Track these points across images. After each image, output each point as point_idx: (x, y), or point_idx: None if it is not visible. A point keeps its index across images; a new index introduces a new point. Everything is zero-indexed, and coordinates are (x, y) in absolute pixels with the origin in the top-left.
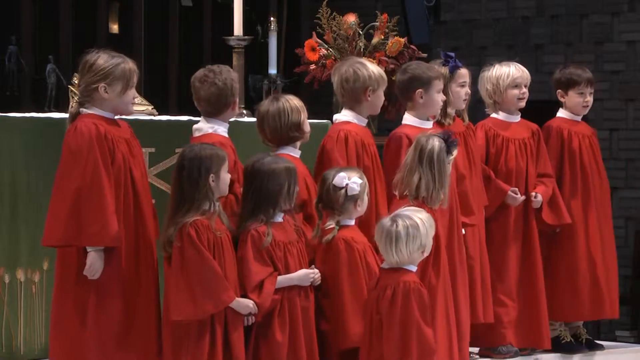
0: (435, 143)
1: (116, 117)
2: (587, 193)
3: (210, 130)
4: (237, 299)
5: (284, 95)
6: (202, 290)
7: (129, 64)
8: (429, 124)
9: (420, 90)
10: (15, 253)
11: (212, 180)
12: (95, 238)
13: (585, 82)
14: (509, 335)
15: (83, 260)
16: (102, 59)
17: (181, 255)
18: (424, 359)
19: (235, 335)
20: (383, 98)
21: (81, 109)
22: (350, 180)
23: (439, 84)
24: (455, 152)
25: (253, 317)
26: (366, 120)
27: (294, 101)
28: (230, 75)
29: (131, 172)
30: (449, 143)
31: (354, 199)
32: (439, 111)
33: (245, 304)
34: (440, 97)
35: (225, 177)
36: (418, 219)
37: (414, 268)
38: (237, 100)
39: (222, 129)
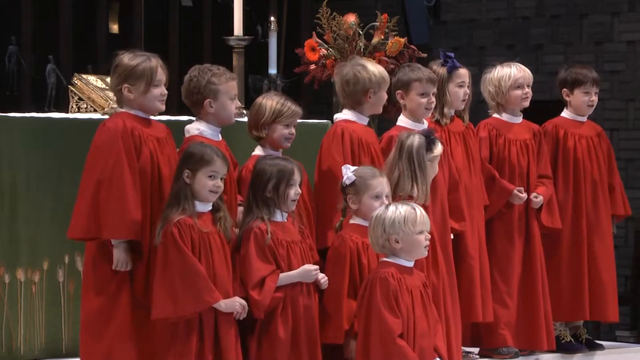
0: (415, 139)
1: (151, 117)
2: (578, 195)
3: (195, 132)
4: (222, 300)
5: (276, 93)
6: (183, 290)
7: (151, 62)
8: (420, 126)
9: (399, 92)
10: (15, 253)
11: (187, 177)
12: (114, 230)
13: (591, 82)
14: (510, 336)
15: (106, 254)
16: (125, 59)
17: (164, 254)
18: (384, 343)
19: (226, 338)
20: (385, 98)
21: (117, 109)
22: (349, 170)
23: (419, 87)
24: (436, 150)
25: (244, 313)
26: (367, 120)
27: (269, 101)
28: (208, 75)
29: (159, 169)
30: (429, 140)
31: (346, 192)
32: (425, 114)
33: (232, 304)
34: (423, 100)
35: (204, 181)
36: (391, 208)
37: (395, 260)
38: (215, 101)
39: (209, 132)
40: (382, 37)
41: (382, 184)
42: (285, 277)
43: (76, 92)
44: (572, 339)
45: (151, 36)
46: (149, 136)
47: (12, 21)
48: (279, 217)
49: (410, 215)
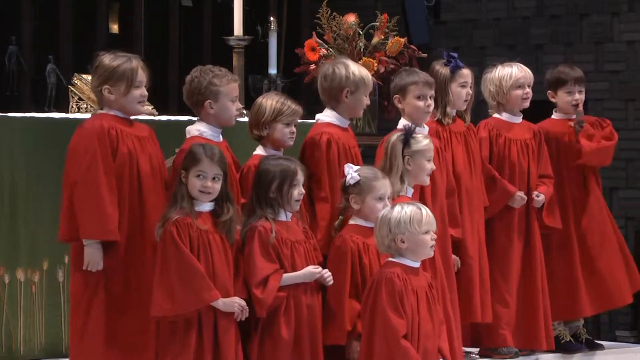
0: (394, 136)
1: (132, 117)
2: (562, 193)
3: (196, 133)
4: (221, 298)
5: (276, 93)
6: (181, 288)
7: (132, 63)
8: (420, 130)
9: (397, 96)
10: (15, 253)
11: (183, 177)
12: (90, 231)
13: (573, 81)
14: (510, 335)
15: (81, 256)
16: (105, 60)
17: (163, 252)
18: (388, 343)
19: (226, 338)
20: (365, 102)
21: (98, 110)
22: (352, 169)
23: (415, 89)
24: (415, 146)
25: (246, 313)
26: (348, 122)
27: (269, 101)
28: (209, 76)
29: (138, 165)
30: (407, 135)
31: (348, 192)
32: (423, 117)
33: (231, 303)
34: (420, 102)
35: (193, 181)
36: (397, 208)
37: (401, 260)
38: (215, 102)
39: (209, 133)
40: (382, 37)
41: (385, 185)
42: (289, 277)
43: (76, 92)
44: (572, 339)
45: (151, 36)
46: (128, 135)
47: (12, 21)
48: (283, 216)
49: (415, 215)
